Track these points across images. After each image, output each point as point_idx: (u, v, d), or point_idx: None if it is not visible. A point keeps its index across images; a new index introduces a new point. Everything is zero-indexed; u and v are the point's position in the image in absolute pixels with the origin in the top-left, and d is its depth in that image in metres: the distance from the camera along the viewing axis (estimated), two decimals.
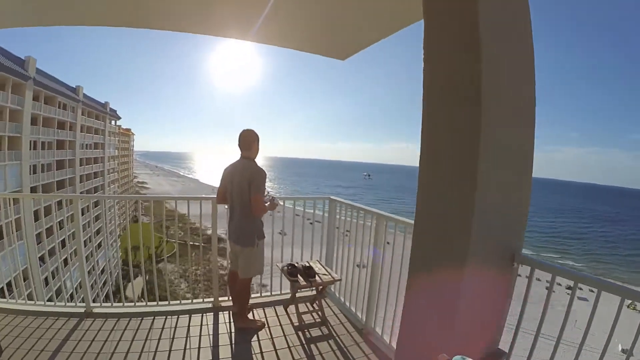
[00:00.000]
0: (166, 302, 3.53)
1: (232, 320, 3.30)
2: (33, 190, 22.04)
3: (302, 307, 3.56)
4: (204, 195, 3.72)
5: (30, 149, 21.50)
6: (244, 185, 2.92)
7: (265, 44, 2.65)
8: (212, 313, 3.44)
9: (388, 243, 3.10)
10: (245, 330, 3.14)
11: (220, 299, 3.64)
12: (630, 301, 2.31)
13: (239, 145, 3.05)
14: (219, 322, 3.30)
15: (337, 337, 3.18)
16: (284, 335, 3.14)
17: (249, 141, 3.04)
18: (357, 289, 3.43)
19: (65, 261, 24.14)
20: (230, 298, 3.43)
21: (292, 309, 3.56)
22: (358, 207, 3.48)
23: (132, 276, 6.69)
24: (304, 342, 3.08)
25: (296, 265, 3.53)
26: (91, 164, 31.72)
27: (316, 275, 3.42)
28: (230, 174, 3.06)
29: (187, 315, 3.36)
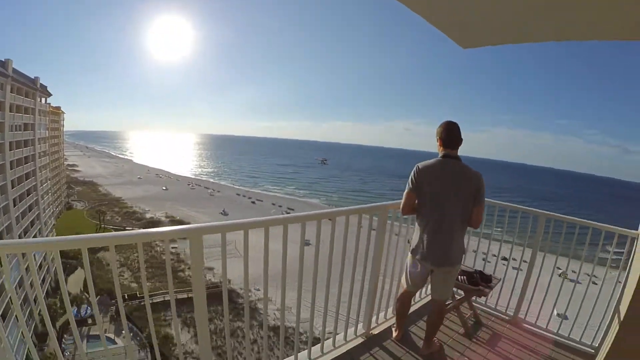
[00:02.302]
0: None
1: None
2: None
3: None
4: (374, 203, 2.92)
5: None
6: (468, 193, 2.50)
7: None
8: (379, 348, 2.88)
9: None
10: (433, 355, 2.84)
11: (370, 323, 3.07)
12: (561, 270, 3.32)
13: (446, 140, 2.54)
14: (398, 356, 2.80)
15: (504, 333, 3.31)
16: (468, 348, 3.02)
17: (460, 135, 2.53)
18: (499, 286, 3.53)
19: None
20: (396, 320, 3.05)
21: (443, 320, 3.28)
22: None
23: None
24: (487, 345, 3.10)
25: (471, 272, 3.38)
26: (21, 148, 28.13)
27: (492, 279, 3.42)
28: (441, 178, 2.52)
29: None
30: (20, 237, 24.59)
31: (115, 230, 41.55)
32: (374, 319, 3.13)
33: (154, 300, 26.68)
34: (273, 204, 58.30)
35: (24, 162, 28.71)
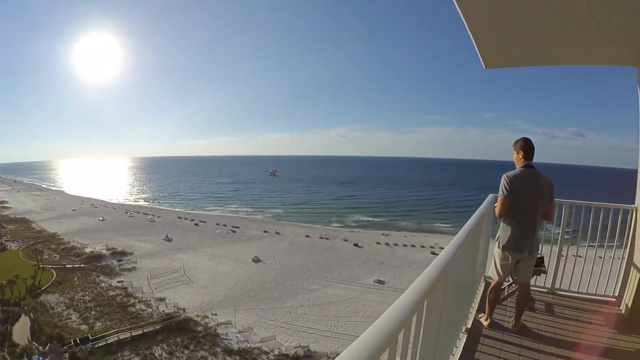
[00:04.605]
0: None
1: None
2: None
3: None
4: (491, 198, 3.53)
5: None
6: (545, 194, 3.15)
7: None
8: (483, 337, 3.18)
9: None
10: (522, 330, 3.29)
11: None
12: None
13: (529, 153, 3.19)
14: (510, 342, 3.11)
15: (551, 301, 4.03)
16: (538, 318, 3.58)
17: (534, 148, 3.20)
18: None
19: None
20: (488, 310, 3.40)
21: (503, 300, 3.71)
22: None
23: None
24: (547, 312, 3.78)
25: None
26: None
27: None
28: (527, 185, 3.14)
29: None
30: None
31: (55, 269, 38.52)
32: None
33: (108, 341, 25.86)
34: (217, 224, 58.91)
35: None
